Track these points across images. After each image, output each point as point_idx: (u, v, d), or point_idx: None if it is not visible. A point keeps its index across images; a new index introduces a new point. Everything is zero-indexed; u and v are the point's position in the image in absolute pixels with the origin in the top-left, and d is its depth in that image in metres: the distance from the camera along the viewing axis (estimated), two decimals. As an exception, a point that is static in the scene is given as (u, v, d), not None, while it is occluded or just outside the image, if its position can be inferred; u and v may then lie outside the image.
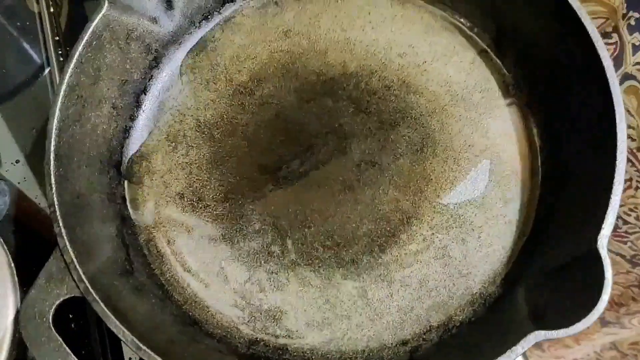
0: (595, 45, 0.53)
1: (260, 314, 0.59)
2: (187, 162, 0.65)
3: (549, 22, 0.59)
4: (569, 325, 0.46)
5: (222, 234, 0.62)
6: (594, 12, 0.61)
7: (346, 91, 0.67)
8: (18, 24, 0.77)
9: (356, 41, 0.69)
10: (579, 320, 0.45)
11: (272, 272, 0.60)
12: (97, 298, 0.50)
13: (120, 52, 0.63)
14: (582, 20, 0.55)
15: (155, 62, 0.68)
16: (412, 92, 0.66)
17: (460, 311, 0.58)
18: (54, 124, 0.56)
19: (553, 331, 0.46)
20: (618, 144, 0.51)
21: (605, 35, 0.61)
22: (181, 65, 0.70)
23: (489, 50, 0.67)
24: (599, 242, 0.48)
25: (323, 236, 0.61)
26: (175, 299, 0.60)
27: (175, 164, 0.65)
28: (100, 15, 0.60)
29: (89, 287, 0.50)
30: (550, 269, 0.53)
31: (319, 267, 0.60)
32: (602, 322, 0.57)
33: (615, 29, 0.61)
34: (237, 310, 0.59)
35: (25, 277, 0.53)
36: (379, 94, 0.67)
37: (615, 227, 0.62)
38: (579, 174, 0.56)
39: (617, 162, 0.50)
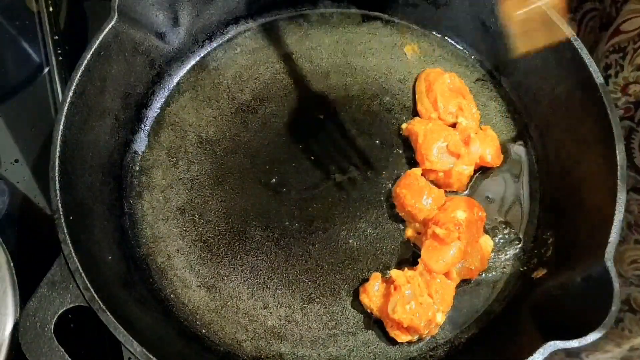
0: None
1: (264, 331, 0.57)
2: (188, 178, 0.64)
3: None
4: (582, 335, 0.46)
5: (224, 250, 0.61)
6: (636, 10, 0.60)
7: (348, 113, 0.68)
8: (17, 23, 0.76)
9: (357, 66, 0.71)
10: (591, 330, 0.46)
11: (276, 288, 0.59)
12: (103, 307, 0.48)
13: (126, 64, 0.63)
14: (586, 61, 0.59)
15: (158, 78, 0.68)
16: (412, 116, 0.68)
17: (466, 328, 0.58)
18: (60, 130, 0.55)
19: (567, 341, 0.47)
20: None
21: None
22: (183, 83, 0.70)
23: (485, 79, 0.70)
24: (606, 256, 0.50)
25: (328, 253, 0.61)
26: (176, 314, 0.57)
27: (176, 179, 0.64)
28: (109, 26, 0.60)
29: (95, 296, 0.48)
30: (557, 284, 0.54)
31: (324, 283, 0.59)
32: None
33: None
34: (240, 327, 0.58)
35: (25, 277, 0.51)
36: (380, 116, 0.68)
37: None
38: (580, 191, 0.58)
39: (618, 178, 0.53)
